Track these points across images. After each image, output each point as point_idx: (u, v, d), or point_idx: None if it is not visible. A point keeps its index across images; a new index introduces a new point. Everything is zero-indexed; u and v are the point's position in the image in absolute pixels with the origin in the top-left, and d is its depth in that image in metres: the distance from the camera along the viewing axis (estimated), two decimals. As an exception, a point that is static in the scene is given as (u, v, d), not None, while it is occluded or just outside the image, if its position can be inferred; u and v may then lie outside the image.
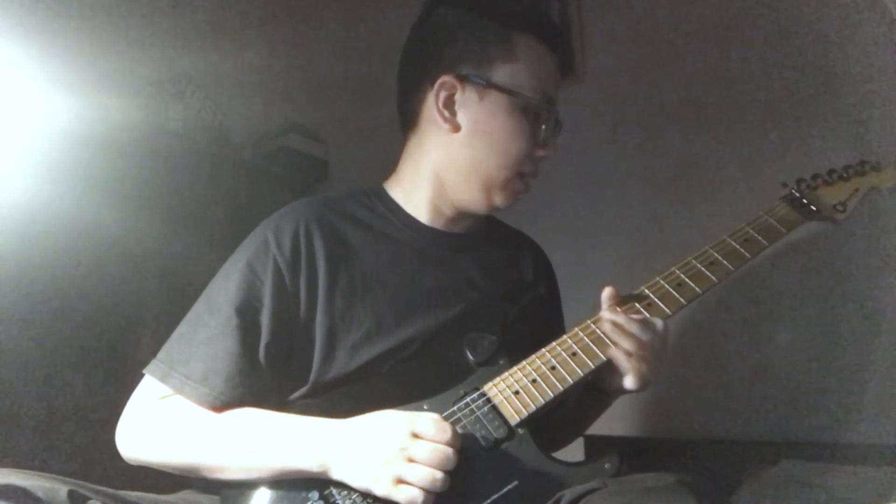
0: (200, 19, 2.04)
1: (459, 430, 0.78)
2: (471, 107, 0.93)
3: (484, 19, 0.93)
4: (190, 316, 0.89)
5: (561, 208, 1.61)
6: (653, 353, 0.85)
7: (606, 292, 0.90)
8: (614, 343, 0.84)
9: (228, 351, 0.84)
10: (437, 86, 0.93)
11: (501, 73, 0.92)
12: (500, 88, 0.91)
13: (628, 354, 0.84)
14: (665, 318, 0.87)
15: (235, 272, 0.89)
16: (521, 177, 0.96)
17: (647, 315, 0.87)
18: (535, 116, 0.93)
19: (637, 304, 0.89)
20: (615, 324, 0.85)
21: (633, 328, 0.84)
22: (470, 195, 0.96)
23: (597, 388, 0.92)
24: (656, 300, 0.88)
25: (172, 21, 1.96)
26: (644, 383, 0.85)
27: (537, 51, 0.94)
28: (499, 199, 0.96)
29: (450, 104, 0.94)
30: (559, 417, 0.98)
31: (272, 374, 0.86)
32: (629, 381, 0.84)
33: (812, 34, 1.28)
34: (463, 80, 0.93)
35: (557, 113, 0.95)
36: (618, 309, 0.87)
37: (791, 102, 1.32)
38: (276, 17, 2.34)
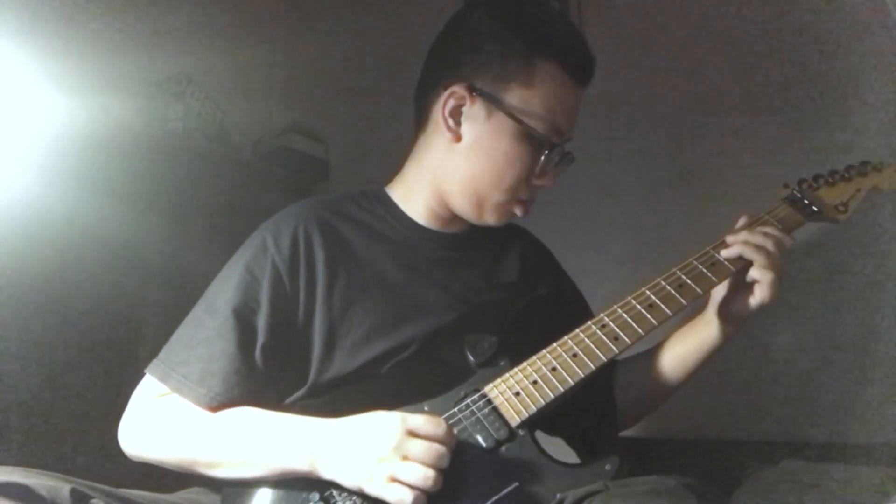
0: (200, 19, 2.03)
1: (457, 431, 0.78)
2: (476, 122, 0.91)
3: (512, 36, 0.90)
4: (190, 317, 0.90)
5: (560, 208, 1.60)
6: (779, 265, 0.87)
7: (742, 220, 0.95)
8: (747, 258, 0.87)
9: (225, 352, 0.84)
10: (447, 93, 0.92)
11: (514, 97, 0.89)
12: (509, 113, 0.89)
13: (761, 265, 0.85)
14: (665, 319, 0.87)
15: (234, 274, 0.89)
16: (518, 201, 0.95)
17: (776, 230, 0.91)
18: (539, 146, 0.91)
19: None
20: (747, 239, 0.88)
21: (761, 240, 0.87)
22: (461, 206, 0.96)
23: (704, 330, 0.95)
24: (657, 301, 0.88)
25: (172, 21, 1.95)
26: (775, 293, 0.86)
27: (558, 80, 0.91)
28: (489, 218, 0.95)
29: (456, 114, 0.92)
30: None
31: (270, 375, 0.87)
32: (762, 292, 0.86)
33: (814, 35, 1.28)
34: (474, 93, 0.91)
35: (563, 147, 0.92)
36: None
37: (793, 102, 1.32)
38: (276, 17, 2.34)
